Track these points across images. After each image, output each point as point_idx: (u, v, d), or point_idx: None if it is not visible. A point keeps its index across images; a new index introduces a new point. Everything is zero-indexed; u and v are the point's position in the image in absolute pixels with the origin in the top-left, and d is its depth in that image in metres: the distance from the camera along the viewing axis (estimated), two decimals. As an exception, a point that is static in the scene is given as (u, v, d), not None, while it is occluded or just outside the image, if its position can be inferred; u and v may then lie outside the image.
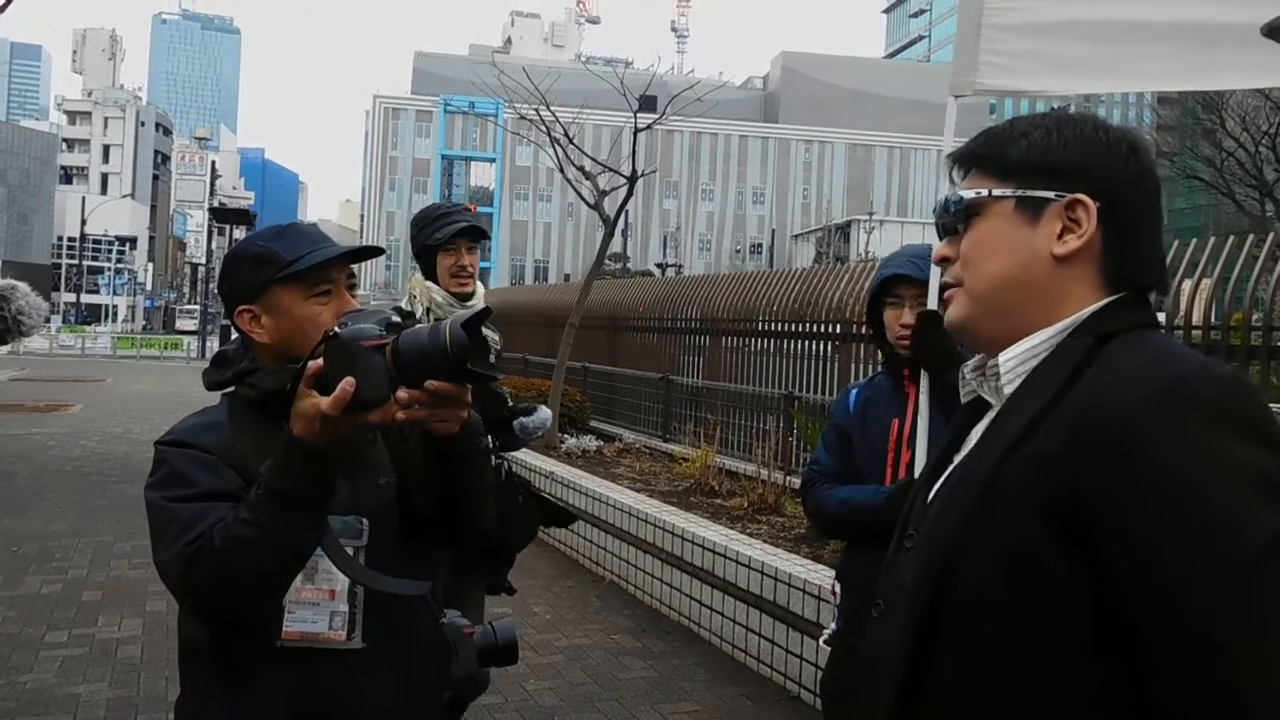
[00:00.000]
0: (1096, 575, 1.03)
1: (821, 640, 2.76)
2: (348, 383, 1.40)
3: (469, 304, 3.33)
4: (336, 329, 1.45)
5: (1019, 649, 1.07)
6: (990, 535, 1.09)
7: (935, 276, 2.50)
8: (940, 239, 1.28)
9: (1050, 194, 1.17)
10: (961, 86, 2.77)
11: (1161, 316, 5.85)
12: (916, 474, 2.43)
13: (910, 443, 2.55)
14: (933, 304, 2.50)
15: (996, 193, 1.20)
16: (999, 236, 1.20)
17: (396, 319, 1.48)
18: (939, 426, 2.46)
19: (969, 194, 1.22)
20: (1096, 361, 1.10)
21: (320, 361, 1.44)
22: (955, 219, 1.24)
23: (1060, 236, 1.16)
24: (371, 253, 1.89)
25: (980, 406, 1.27)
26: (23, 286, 6.92)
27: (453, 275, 3.38)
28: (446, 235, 3.34)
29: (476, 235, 3.41)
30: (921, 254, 2.60)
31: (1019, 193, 1.19)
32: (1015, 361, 1.18)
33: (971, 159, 1.25)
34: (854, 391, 2.81)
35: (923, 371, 2.51)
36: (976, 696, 1.10)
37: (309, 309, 1.71)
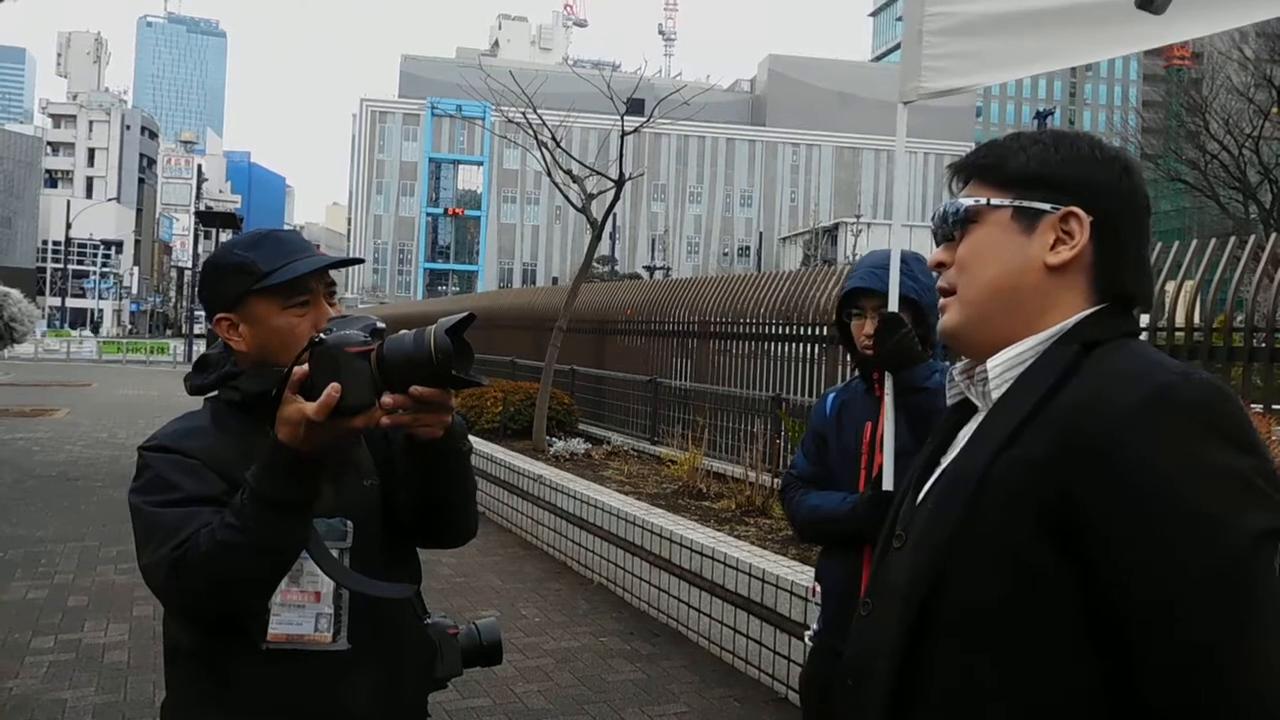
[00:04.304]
0: (1086, 575, 1.05)
1: (806, 638, 2.79)
2: (333, 388, 1.41)
3: None
4: (322, 335, 1.46)
5: (1013, 649, 1.08)
6: (982, 537, 1.11)
7: (894, 283, 2.56)
8: (937, 245, 1.31)
9: (1046, 205, 1.21)
10: (908, 93, 2.84)
11: (1145, 318, 5.89)
12: (885, 477, 2.47)
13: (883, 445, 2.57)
14: (893, 307, 2.54)
15: (994, 202, 1.24)
16: (994, 244, 1.23)
17: (381, 325, 1.49)
18: (901, 426, 2.49)
19: (968, 202, 1.26)
20: (1082, 368, 1.13)
21: (305, 367, 1.45)
22: (952, 226, 1.27)
23: (1053, 247, 1.20)
24: (349, 262, 1.89)
25: (967, 409, 1.29)
26: (15, 294, 6.93)
27: None
28: None
29: None
30: (880, 264, 2.64)
31: (1016, 203, 1.22)
32: (1004, 367, 1.20)
33: (973, 169, 1.29)
34: (831, 396, 2.85)
35: (887, 374, 2.54)
36: (971, 697, 1.11)
37: (286, 320, 1.70)
